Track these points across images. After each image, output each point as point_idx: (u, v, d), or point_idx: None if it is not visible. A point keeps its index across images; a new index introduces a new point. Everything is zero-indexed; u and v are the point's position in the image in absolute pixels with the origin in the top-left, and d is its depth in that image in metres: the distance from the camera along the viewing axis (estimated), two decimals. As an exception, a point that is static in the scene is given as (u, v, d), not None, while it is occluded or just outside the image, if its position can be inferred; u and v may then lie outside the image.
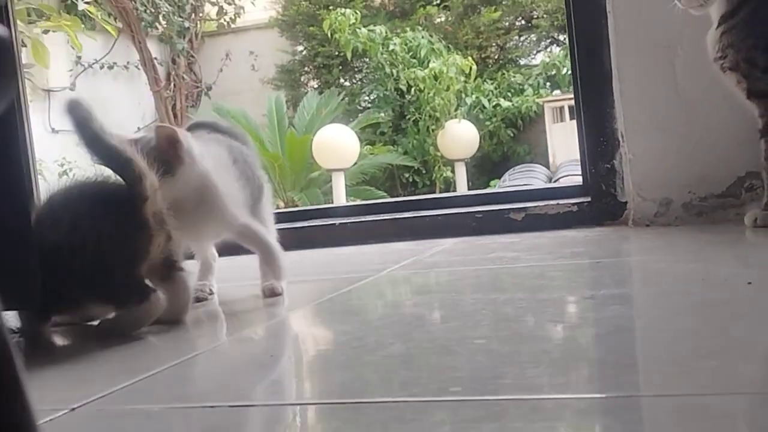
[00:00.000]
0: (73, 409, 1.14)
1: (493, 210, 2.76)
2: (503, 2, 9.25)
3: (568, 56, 2.82)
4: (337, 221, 2.89)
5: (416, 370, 1.26)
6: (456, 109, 8.73)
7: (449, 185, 8.81)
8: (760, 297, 1.47)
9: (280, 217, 3.08)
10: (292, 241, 2.84)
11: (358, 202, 7.13)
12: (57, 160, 7.74)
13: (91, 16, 4.39)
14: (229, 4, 9.68)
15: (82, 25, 4.76)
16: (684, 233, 2.36)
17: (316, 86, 9.69)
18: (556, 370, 1.13)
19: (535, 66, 9.28)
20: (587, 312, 1.51)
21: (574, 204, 2.69)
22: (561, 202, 2.71)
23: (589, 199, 2.68)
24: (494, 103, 8.96)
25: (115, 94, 8.95)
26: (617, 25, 2.54)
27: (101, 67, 8.79)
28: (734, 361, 1.09)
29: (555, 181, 6.91)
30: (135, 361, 1.46)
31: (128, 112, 9.03)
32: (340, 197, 7.82)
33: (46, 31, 4.70)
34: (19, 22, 3.84)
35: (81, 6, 4.83)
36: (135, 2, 8.56)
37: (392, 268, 2.24)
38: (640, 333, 1.37)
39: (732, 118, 2.41)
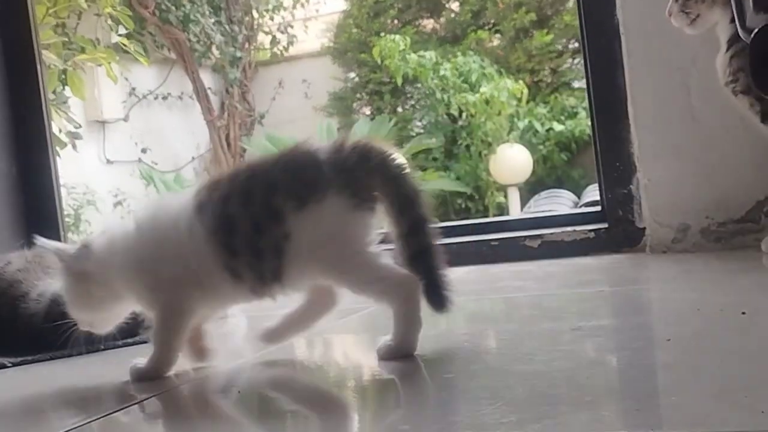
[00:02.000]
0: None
1: (508, 237, 2.71)
2: (555, 25, 9.17)
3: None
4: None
5: (369, 406, 1.23)
6: (508, 134, 8.65)
7: (502, 210, 8.72)
8: (748, 328, 1.42)
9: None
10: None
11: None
12: (111, 191, 7.86)
13: (125, 48, 4.43)
14: (282, 33, 9.76)
15: (123, 55, 4.82)
16: (700, 260, 2.29)
17: (368, 113, 9.70)
18: (511, 408, 1.09)
19: (589, 89, 9.18)
20: (568, 345, 1.46)
21: (591, 231, 2.63)
22: (578, 228, 2.66)
23: (606, 225, 2.62)
24: (547, 127, 8.86)
25: (170, 124, 9.07)
26: (630, 47, 2.49)
27: (155, 98, 8.91)
28: (695, 397, 1.05)
29: (579, 207, 6.82)
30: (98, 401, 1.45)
31: (183, 141, 9.15)
32: (391, 223, 7.78)
33: (100, 64, 4.77)
34: (53, 55, 3.90)
35: (114, 38, 4.89)
36: (188, 33, 8.67)
37: (394, 298, 2.20)
38: (610, 367, 1.33)
39: (749, 140, 2.34)
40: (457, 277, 2.46)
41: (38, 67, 3.17)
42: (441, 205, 9.04)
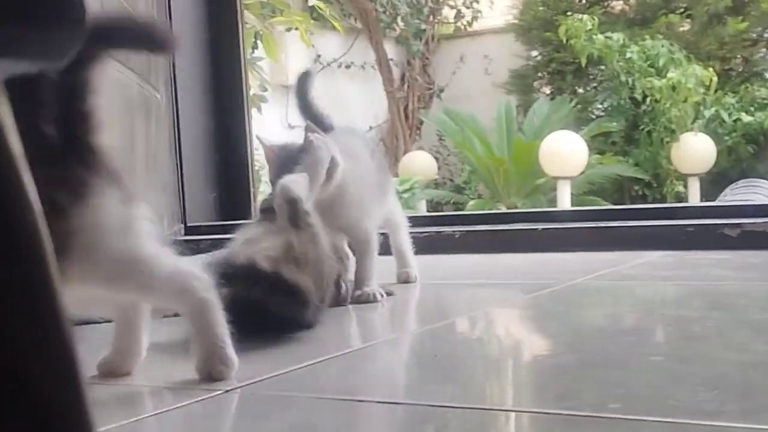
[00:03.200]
0: (227, 391, 1.16)
1: (705, 224, 2.60)
2: (751, 12, 8.78)
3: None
4: (539, 226, 2.82)
5: (578, 382, 1.20)
6: (693, 122, 8.37)
7: (681, 201, 8.46)
8: None
9: (482, 219, 3.07)
10: (492, 243, 2.81)
11: (561, 208, 6.96)
12: (289, 157, 8.02)
13: (320, 12, 4.50)
14: (468, 7, 9.73)
15: (312, 22, 4.89)
16: None
17: (548, 92, 9.56)
18: (731, 396, 1.04)
19: (783, 80, 8.78)
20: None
21: (797, 223, 2.50)
22: (782, 220, 2.53)
23: (814, 218, 2.48)
24: (735, 118, 8.52)
25: (351, 92, 9.18)
26: None
27: (339, 66, 9.03)
28: None
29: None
30: (297, 350, 1.46)
31: (362, 110, 9.25)
32: (565, 206, 7.66)
33: (289, 29, 4.87)
34: (252, 15, 3.99)
35: (311, 2, 4.96)
36: (375, 3, 8.75)
37: (586, 277, 2.15)
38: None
39: None
40: (650, 261, 2.41)
41: (240, 26, 3.24)
42: (617, 191, 8.84)
